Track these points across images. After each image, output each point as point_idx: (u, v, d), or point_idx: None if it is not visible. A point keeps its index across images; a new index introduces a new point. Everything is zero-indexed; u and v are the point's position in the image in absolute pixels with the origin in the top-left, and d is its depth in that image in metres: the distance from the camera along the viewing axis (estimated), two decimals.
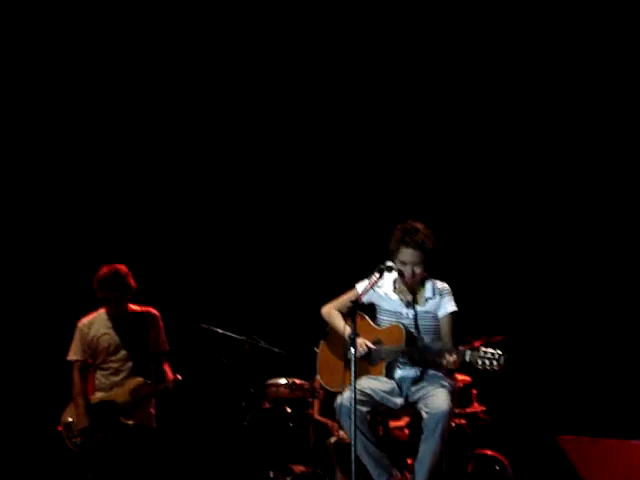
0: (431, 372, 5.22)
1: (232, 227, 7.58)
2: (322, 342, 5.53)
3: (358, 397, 4.84)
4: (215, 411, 6.90)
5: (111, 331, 5.97)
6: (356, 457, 4.78)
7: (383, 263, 5.11)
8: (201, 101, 7.62)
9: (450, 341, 5.22)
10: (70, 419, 5.91)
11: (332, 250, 7.37)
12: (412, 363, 5.20)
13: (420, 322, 5.24)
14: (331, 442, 6.11)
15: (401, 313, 5.27)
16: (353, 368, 4.73)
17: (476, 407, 6.29)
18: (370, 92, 7.44)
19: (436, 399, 5.09)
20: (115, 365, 5.95)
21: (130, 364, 5.94)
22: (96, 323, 5.99)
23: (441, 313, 5.26)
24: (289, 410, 6.27)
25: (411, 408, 5.25)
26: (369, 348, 5.22)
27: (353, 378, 4.73)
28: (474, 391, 6.30)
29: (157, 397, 6.01)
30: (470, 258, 7.11)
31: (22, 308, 7.32)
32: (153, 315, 6.05)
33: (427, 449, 5.06)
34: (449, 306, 5.26)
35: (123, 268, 5.92)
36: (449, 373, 5.29)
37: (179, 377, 5.93)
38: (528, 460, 6.57)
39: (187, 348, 6.54)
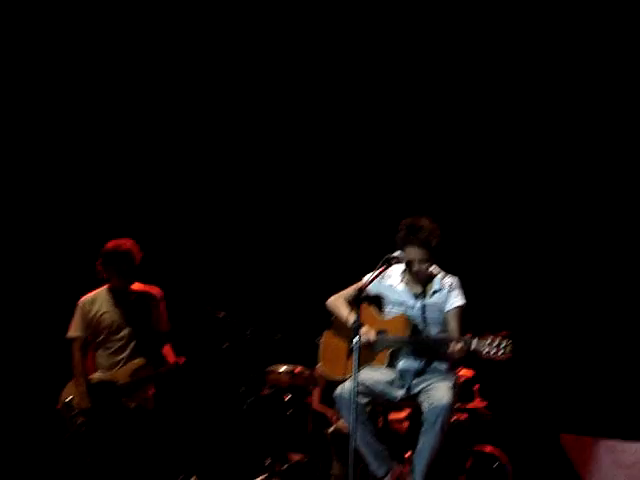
0: (434, 365, 5.20)
1: (243, 212, 7.58)
2: (326, 332, 5.50)
3: (358, 388, 4.80)
4: (215, 395, 6.89)
5: (113, 309, 5.90)
6: (354, 448, 4.75)
7: (391, 255, 5.06)
8: (214, 89, 7.59)
9: (457, 334, 5.18)
10: (69, 398, 5.84)
11: (342, 241, 7.36)
12: (416, 353, 5.17)
13: (427, 314, 5.21)
14: (329, 432, 6.07)
15: (408, 304, 5.25)
16: (355, 356, 4.70)
17: (478, 402, 6.24)
18: (380, 86, 7.42)
19: (437, 392, 5.08)
20: (117, 344, 5.88)
21: (132, 343, 5.88)
22: (98, 300, 5.92)
23: (448, 306, 5.24)
24: (288, 397, 6.24)
25: (411, 400, 5.23)
26: (372, 337, 5.18)
27: (355, 366, 4.70)
28: (476, 386, 6.26)
29: (157, 379, 5.96)
30: (475, 253, 7.08)
31: (22, 286, 7.30)
32: (155, 295, 5.99)
33: (426, 442, 5.04)
34: (457, 300, 5.25)
35: (131, 243, 5.85)
36: (452, 367, 5.26)
37: (181, 360, 5.89)
38: (528, 457, 6.54)
39: (189, 330, 6.51)
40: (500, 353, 4.81)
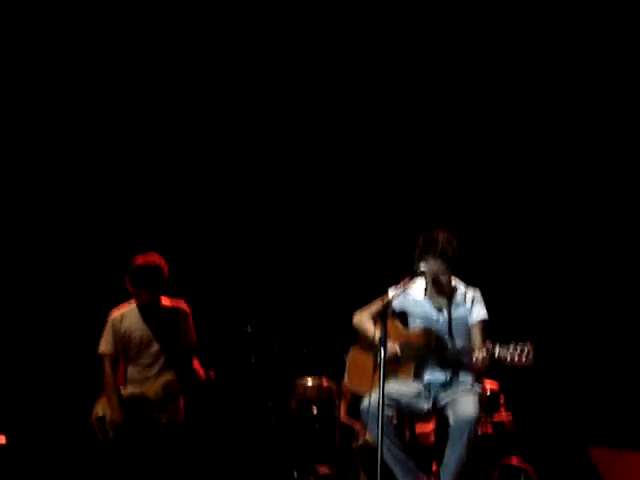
0: (461, 377, 5.22)
1: (270, 226, 7.60)
2: (352, 348, 5.54)
3: (384, 401, 4.82)
4: (242, 409, 6.92)
5: (143, 325, 5.90)
6: (382, 460, 4.77)
7: (415, 267, 5.11)
8: (233, 107, 7.64)
9: (480, 344, 5.20)
10: (102, 413, 5.89)
11: (367, 256, 7.38)
12: (441, 364, 5.20)
13: (453, 327, 5.25)
14: (357, 445, 6.09)
15: (432, 318, 5.29)
16: (381, 370, 4.73)
17: (503, 414, 6.25)
18: (403, 103, 7.47)
19: (464, 405, 5.09)
20: (147, 359, 5.90)
21: (163, 359, 5.90)
22: (128, 316, 5.93)
23: (472, 320, 5.26)
24: (316, 411, 6.27)
25: (438, 413, 5.25)
26: (398, 349, 5.22)
27: (381, 380, 4.73)
28: (502, 398, 6.26)
29: (187, 393, 5.99)
30: (499, 263, 7.09)
31: (53, 300, 7.38)
32: (183, 309, 5.99)
33: (453, 455, 5.06)
34: (480, 313, 5.27)
35: (158, 258, 5.84)
36: (478, 379, 5.28)
37: (212, 374, 5.91)
38: (556, 470, 6.52)
39: (217, 345, 6.56)
40: (524, 359, 4.83)
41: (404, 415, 5.26)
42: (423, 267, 5.12)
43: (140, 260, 5.82)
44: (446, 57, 7.32)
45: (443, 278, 5.22)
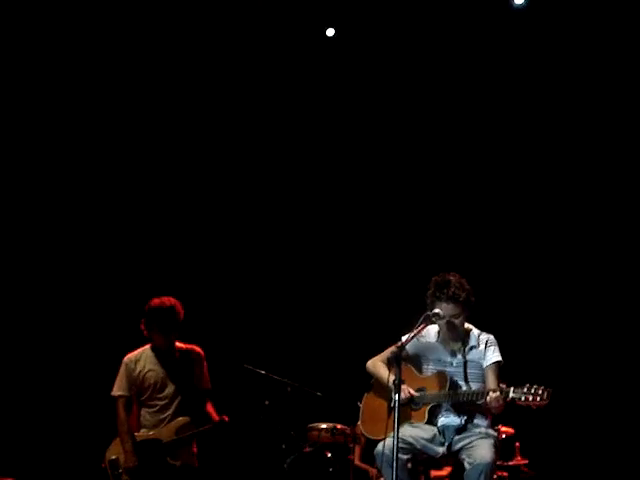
0: (475, 421, 5.19)
1: (284, 273, 7.63)
2: (366, 394, 5.53)
3: (399, 445, 4.80)
4: (256, 453, 6.90)
5: (157, 367, 5.91)
6: None
7: (428, 311, 5.12)
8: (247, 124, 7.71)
9: (494, 387, 5.18)
10: (115, 456, 5.85)
11: (380, 305, 7.40)
12: (455, 408, 5.18)
13: (468, 370, 5.24)
14: None
15: (446, 361, 5.28)
16: (396, 414, 4.71)
17: (519, 460, 6.21)
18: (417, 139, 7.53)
19: (479, 450, 5.06)
20: (161, 402, 5.88)
21: (177, 402, 5.88)
22: (142, 359, 5.94)
23: (486, 363, 5.25)
24: (330, 455, 6.24)
25: (453, 457, 5.21)
26: (412, 394, 5.21)
27: (396, 424, 4.71)
28: (517, 444, 6.23)
29: (200, 437, 5.96)
30: (512, 308, 7.09)
31: (69, 342, 7.40)
32: (197, 353, 6.00)
33: None
34: (494, 356, 5.26)
35: (174, 301, 5.86)
36: (494, 423, 5.25)
37: (226, 418, 5.88)
38: None
39: (230, 388, 6.55)
40: (538, 399, 4.81)
41: (418, 459, 5.22)
42: (436, 311, 5.13)
43: (156, 302, 5.85)
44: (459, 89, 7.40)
45: (456, 322, 5.22)
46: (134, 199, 7.67)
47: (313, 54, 7.59)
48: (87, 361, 7.30)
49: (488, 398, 4.99)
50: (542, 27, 7.19)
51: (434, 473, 5.84)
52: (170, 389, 5.89)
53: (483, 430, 5.17)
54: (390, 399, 4.97)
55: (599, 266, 7.16)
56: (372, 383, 5.47)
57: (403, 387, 5.14)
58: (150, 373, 5.91)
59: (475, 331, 5.33)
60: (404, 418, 5.09)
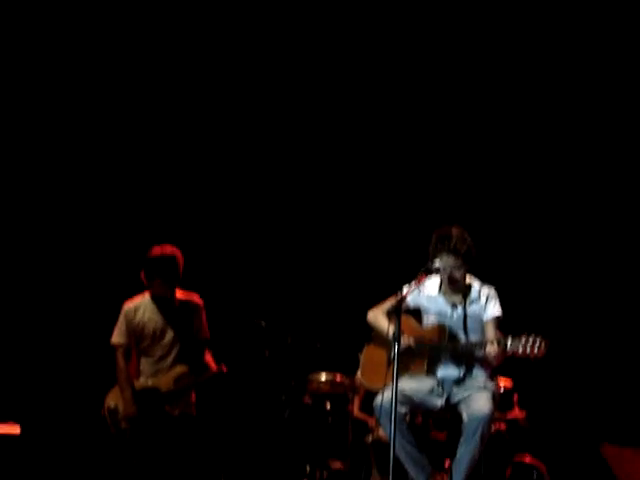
0: (474, 373, 5.21)
1: (285, 222, 7.62)
2: (366, 345, 5.54)
3: (398, 397, 4.81)
4: (255, 403, 6.93)
5: (157, 316, 5.88)
6: (394, 456, 4.77)
7: (429, 264, 5.10)
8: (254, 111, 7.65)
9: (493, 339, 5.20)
10: (114, 404, 5.88)
11: (381, 253, 7.40)
12: (454, 359, 5.19)
13: (468, 323, 5.24)
14: (369, 440, 6.10)
15: (446, 314, 5.28)
16: (395, 365, 4.72)
17: (517, 412, 6.24)
18: (418, 105, 7.47)
19: (477, 402, 5.09)
20: (160, 351, 5.89)
21: (176, 351, 5.89)
22: (142, 307, 5.91)
23: (486, 316, 5.25)
24: (329, 406, 6.27)
25: (451, 409, 5.24)
26: (412, 342, 5.21)
27: (395, 374, 4.72)
28: (515, 396, 6.25)
29: (199, 386, 5.98)
30: (513, 259, 7.09)
31: (68, 291, 7.40)
32: (197, 303, 5.98)
33: (465, 452, 5.05)
34: (494, 310, 5.26)
35: (175, 249, 5.82)
36: (492, 376, 5.27)
37: (224, 368, 5.90)
38: (568, 468, 6.51)
39: (230, 339, 6.56)
40: (535, 350, 4.85)
41: (417, 411, 5.24)
42: (437, 263, 5.11)
43: (157, 251, 5.81)
44: (452, 60, 7.34)
45: (457, 274, 5.21)
46: (134, 143, 7.61)
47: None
48: (87, 308, 7.30)
49: (487, 348, 5.01)
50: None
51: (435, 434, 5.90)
52: (169, 338, 5.88)
53: (482, 382, 5.20)
54: (390, 349, 4.98)
55: (598, 216, 7.14)
56: (372, 335, 5.48)
57: (403, 337, 5.14)
58: (149, 322, 5.88)
59: (476, 284, 5.32)
60: (404, 370, 5.10)
